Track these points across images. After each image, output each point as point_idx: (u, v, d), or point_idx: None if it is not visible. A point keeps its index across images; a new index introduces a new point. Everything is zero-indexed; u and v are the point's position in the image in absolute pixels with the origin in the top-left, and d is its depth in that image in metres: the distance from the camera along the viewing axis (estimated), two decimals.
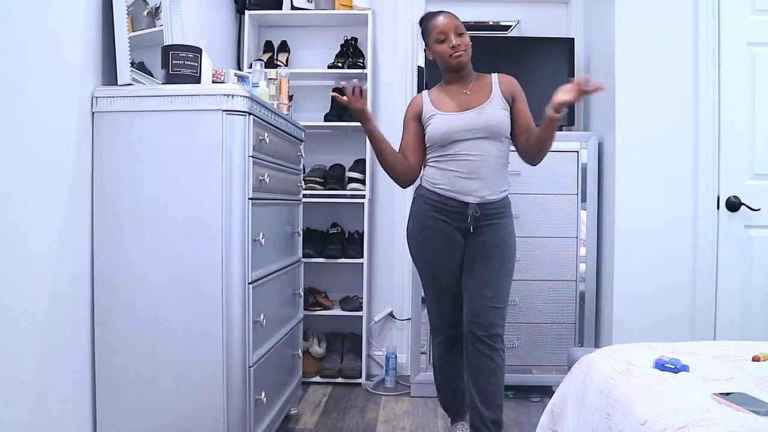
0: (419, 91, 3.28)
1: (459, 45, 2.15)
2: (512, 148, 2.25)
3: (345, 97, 2.08)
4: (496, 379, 2.15)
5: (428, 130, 2.18)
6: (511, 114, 2.18)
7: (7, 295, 1.49)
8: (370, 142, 2.19)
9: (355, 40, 3.32)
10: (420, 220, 2.21)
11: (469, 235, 2.17)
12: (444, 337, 2.33)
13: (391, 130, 3.34)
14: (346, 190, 3.21)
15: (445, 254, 2.19)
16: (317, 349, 3.21)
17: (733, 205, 2.67)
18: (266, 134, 2.01)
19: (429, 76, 3.09)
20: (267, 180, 2.02)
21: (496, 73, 2.25)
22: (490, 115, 2.13)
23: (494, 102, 2.16)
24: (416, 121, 2.23)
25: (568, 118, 3.08)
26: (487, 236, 2.16)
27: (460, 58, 2.16)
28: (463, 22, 3.31)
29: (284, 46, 3.36)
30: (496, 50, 3.12)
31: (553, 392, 1.88)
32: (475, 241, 2.17)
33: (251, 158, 1.87)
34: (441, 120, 2.15)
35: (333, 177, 3.22)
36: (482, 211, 2.13)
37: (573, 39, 3.15)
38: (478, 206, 2.12)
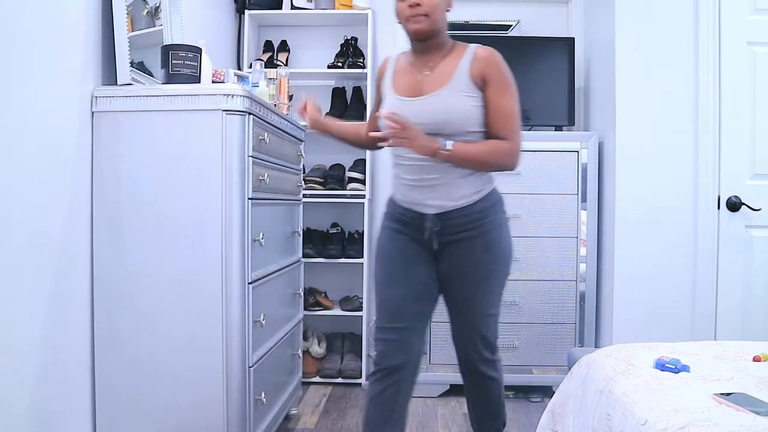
0: None
1: (419, 5, 1.67)
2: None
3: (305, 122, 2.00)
4: (495, 398, 1.95)
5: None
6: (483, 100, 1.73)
7: (6, 295, 1.49)
8: (339, 140, 2.06)
9: (355, 39, 3.32)
10: (381, 229, 1.90)
11: (439, 254, 1.80)
12: (380, 368, 1.78)
13: None
14: (346, 190, 3.21)
15: (397, 267, 1.81)
16: (317, 349, 3.21)
17: (734, 205, 2.67)
18: (266, 134, 2.01)
19: None
20: (267, 180, 2.02)
21: (475, 46, 1.76)
22: (442, 106, 1.69)
23: (455, 87, 1.70)
24: (379, 90, 1.93)
25: (568, 118, 3.08)
26: (460, 255, 1.77)
27: (417, 25, 1.70)
28: (463, 22, 3.36)
29: (284, 46, 3.36)
30: (496, 50, 3.11)
31: (554, 392, 1.88)
32: (445, 261, 1.79)
33: (251, 158, 1.87)
34: (388, 106, 1.77)
35: (333, 177, 3.22)
36: (445, 223, 1.74)
37: (573, 39, 3.15)
38: (438, 218, 1.75)
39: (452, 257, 1.78)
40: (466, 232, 1.75)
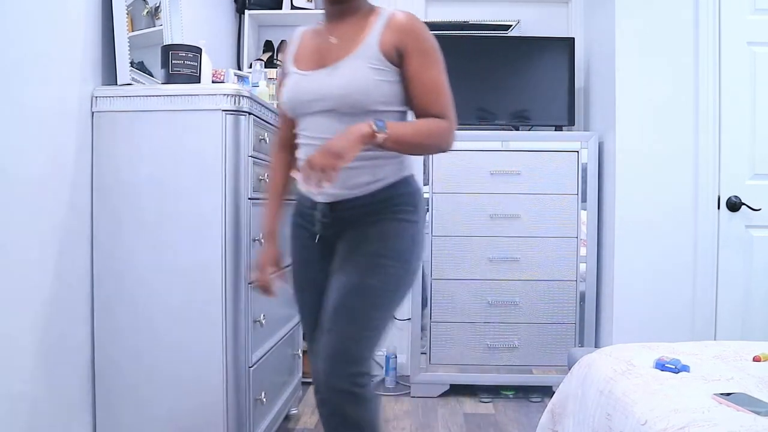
0: None
1: None
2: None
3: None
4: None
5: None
6: (402, 75, 1.45)
7: (7, 295, 1.49)
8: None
9: None
10: (289, 225, 1.66)
11: (334, 249, 1.54)
12: (317, 387, 1.53)
13: None
14: None
15: (301, 268, 1.63)
16: None
17: (734, 205, 2.67)
18: (266, 134, 2.01)
19: None
20: (267, 180, 2.01)
21: (391, 12, 1.49)
22: (342, 81, 1.42)
23: (359, 57, 1.43)
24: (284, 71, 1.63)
25: (568, 118, 3.08)
26: (346, 246, 1.49)
27: None
28: (463, 22, 3.36)
29: (284, 46, 3.36)
30: (496, 50, 3.12)
31: (554, 392, 1.88)
32: (335, 251, 1.53)
33: (251, 158, 1.87)
34: (290, 82, 1.53)
35: None
36: (336, 215, 1.48)
37: (573, 39, 3.14)
38: (329, 208, 1.49)
39: (340, 250, 1.50)
40: (359, 220, 1.48)
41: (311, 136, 1.48)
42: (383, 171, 1.48)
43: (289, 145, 1.62)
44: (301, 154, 1.52)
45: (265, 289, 1.65)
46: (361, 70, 1.42)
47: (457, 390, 2.98)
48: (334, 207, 1.48)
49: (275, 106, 2.08)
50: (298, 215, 1.60)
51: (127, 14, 1.91)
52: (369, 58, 1.43)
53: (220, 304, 1.80)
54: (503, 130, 3.07)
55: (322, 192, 1.44)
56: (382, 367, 3.24)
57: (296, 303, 1.65)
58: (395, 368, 3.17)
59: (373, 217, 1.47)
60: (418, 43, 1.44)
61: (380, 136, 1.35)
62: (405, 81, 1.46)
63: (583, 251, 2.92)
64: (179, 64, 1.87)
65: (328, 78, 1.44)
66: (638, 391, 1.35)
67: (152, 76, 2.07)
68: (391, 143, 1.37)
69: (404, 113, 1.52)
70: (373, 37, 1.44)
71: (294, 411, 2.67)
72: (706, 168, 2.69)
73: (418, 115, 1.48)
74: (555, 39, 3.19)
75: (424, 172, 2.91)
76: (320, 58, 1.49)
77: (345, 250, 1.48)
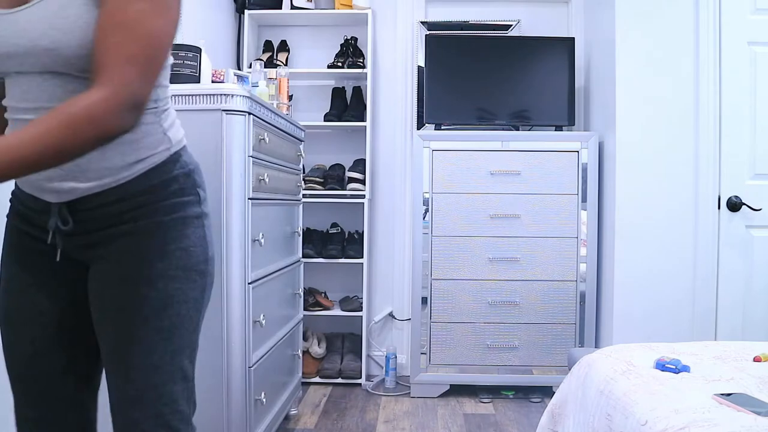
0: (419, 91, 3.29)
1: None
2: None
3: None
4: None
5: None
6: None
7: None
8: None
9: (355, 39, 3.32)
10: (5, 230, 1.14)
11: (85, 270, 1.06)
12: None
13: (391, 132, 3.36)
14: (345, 190, 3.21)
15: (14, 294, 1.09)
16: (317, 350, 3.21)
17: (734, 205, 2.67)
18: (266, 134, 2.01)
19: (430, 75, 3.08)
20: (267, 180, 2.01)
21: None
22: (31, 22, 0.90)
23: None
24: None
25: (568, 118, 3.08)
26: (107, 269, 1.03)
27: None
28: (463, 22, 3.36)
29: (284, 46, 3.36)
30: (496, 50, 3.11)
31: (554, 393, 1.88)
32: (90, 282, 1.06)
33: (251, 158, 1.87)
34: None
35: (333, 177, 3.22)
36: (81, 217, 1.02)
37: (573, 39, 3.14)
38: (69, 210, 1.01)
39: (97, 275, 1.04)
40: (119, 225, 1.02)
41: (15, 107, 0.99)
42: (140, 147, 1.03)
43: None
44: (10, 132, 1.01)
45: None
46: (70, 7, 0.89)
47: (457, 390, 2.98)
48: (75, 208, 1.01)
49: (275, 106, 2.08)
50: (22, 219, 1.09)
51: None
52: None
53: (219, 304, 1.80)
54: (503, 130, 3.07)
55: (51, 188, 0.99)
56: (382, 368, 3.24)
57: (2, 342, 1.10)
58: (395, 368, 3.17)
59: (143, 220, 1.02)
60: None
61: None
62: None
63: (583, 251, 2.92)
64: (179, 63, 1.87)
65: (24, 19, 0.91)
66: (638, 391, 1.35)
67: None
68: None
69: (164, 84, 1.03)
70: None
71: (294, 411, 2.67)
72: (707, 168, 2.68)
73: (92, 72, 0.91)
74: (555, 39, 3.19)
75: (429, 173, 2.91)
76: None
77: (112, 278, 1.03)
